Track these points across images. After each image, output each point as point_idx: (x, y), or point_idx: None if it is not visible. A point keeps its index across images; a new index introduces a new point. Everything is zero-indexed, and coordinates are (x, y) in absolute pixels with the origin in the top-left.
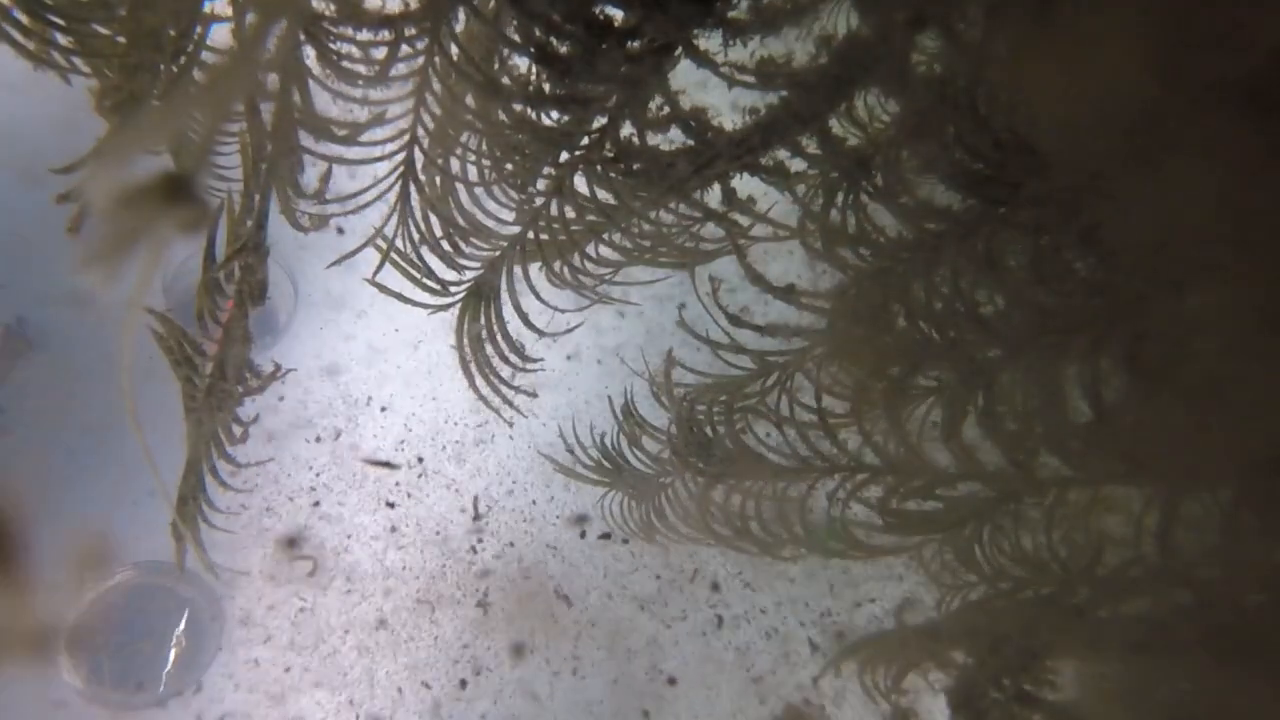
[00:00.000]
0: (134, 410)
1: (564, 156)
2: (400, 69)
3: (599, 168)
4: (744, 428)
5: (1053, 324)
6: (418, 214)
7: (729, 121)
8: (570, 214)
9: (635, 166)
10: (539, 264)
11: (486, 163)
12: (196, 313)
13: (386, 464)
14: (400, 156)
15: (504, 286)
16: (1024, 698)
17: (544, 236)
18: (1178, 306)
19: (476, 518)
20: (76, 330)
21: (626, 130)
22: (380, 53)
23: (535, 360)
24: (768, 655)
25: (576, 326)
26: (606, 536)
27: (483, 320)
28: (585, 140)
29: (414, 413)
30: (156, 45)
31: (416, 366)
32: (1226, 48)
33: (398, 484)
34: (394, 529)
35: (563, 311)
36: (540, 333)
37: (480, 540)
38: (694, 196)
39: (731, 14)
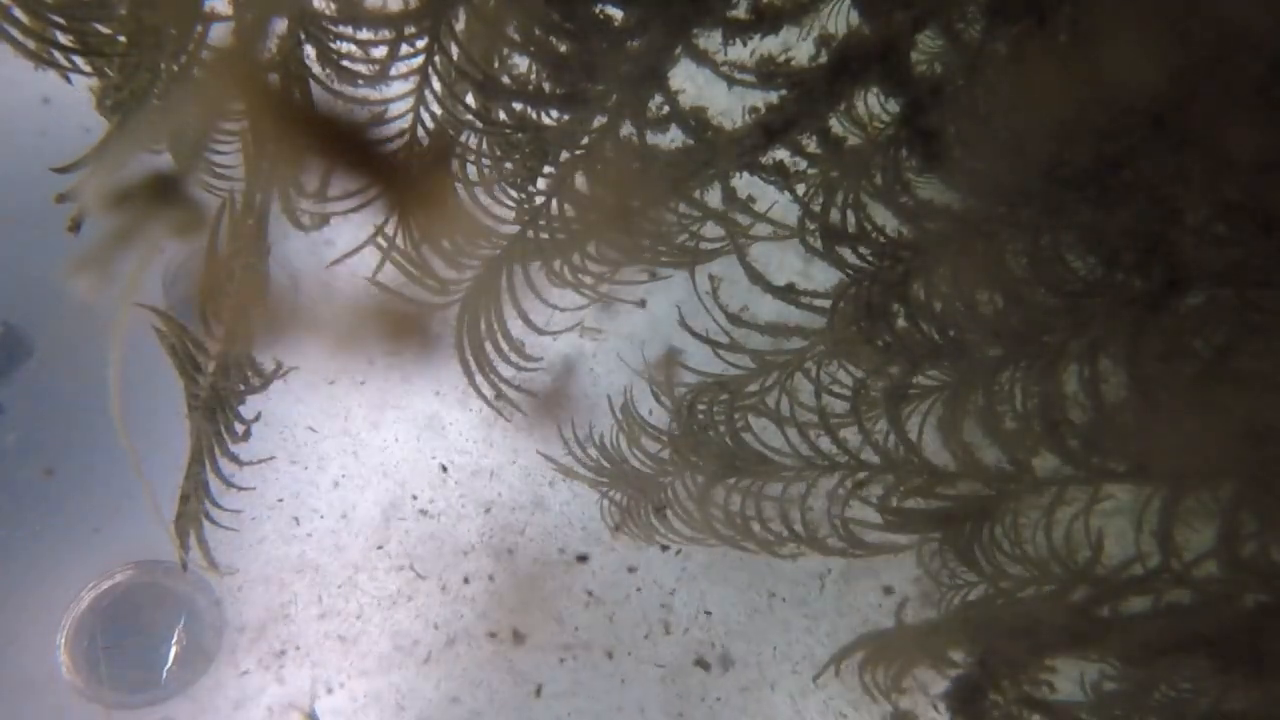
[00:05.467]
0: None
1: (564, 156)
2: (400, 68)
3: (599, 167)
4: (744, 426)
5: (1053, 324)
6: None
7: (729, 121)
8: (570, 214)
9: (635, 166)
10: (539, 263)
11: (486, 163)
12: (198, 311)
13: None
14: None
15: (504, 286)
16: (1024, 698)
17: (544, 236)
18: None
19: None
20: (77, 329)
21: (626, 130)
22: (380, 52)
23: (536, 359)
24: None
25: (577, 325)
26: None
27: (483, 320)
28: (585, 140)
29: None
30: (156, 45)
31: None
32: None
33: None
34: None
35: (562, 310)
36: (541, 331)
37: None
38: (694, 196)
39: (731, 13)
